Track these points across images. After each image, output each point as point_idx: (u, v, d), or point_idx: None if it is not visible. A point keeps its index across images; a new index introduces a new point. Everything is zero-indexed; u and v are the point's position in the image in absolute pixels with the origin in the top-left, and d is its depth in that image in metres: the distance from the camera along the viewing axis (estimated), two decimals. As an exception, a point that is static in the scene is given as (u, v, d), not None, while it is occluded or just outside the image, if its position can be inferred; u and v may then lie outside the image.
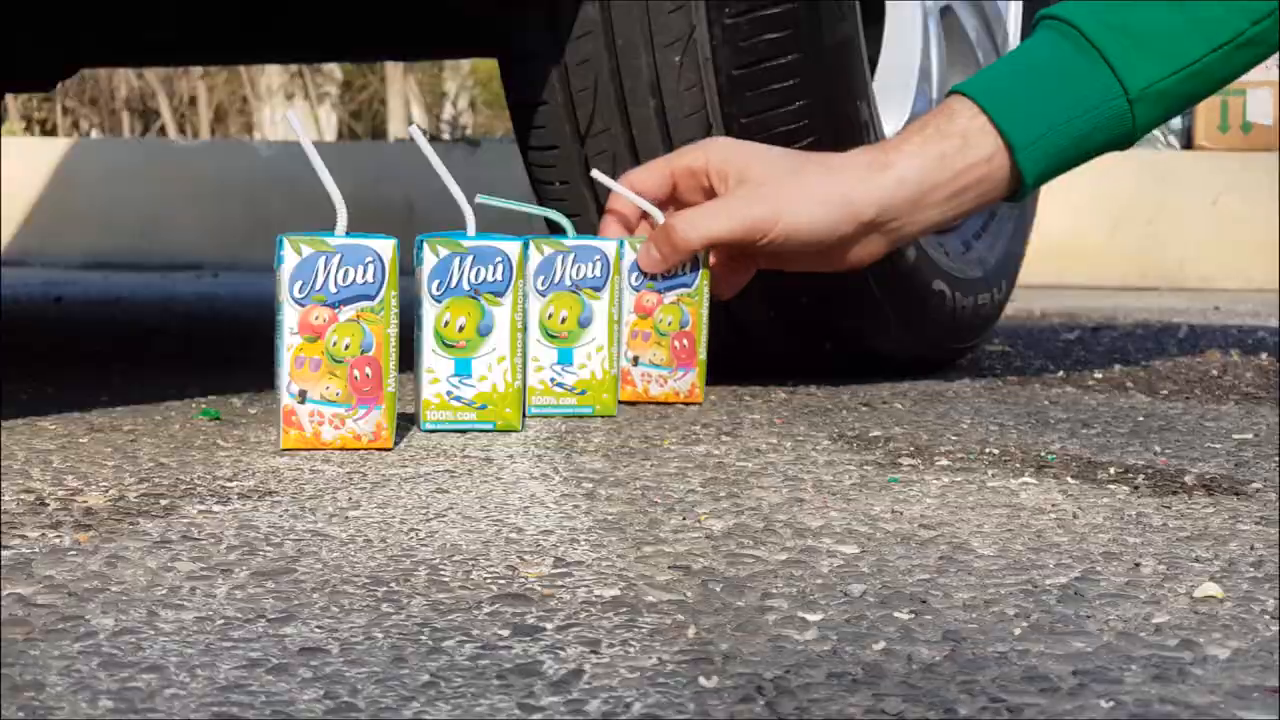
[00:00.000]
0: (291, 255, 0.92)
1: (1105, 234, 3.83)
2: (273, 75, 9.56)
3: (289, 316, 0.91)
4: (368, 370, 0.92)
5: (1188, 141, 4.08)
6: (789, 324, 1.34)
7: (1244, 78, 1.21)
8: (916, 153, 1.11)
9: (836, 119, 1.27)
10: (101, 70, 8.30)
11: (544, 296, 1.08)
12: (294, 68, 9.36)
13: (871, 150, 1.13)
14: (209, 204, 4.20)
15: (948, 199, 1.12)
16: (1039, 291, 3.44)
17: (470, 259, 1.01)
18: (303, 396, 0.92)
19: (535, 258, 1.08)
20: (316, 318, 0.92)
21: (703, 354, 1.16)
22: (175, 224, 4.24)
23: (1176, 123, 4.09)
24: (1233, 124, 3.98)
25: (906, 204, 1.11)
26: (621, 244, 1.11)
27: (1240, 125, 3.98)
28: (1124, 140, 1.13)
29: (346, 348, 0.92)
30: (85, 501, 0.77)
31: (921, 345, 1.43)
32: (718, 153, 1.14)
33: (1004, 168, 1.12)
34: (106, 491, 0.79)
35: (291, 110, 1.06)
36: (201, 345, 1.72)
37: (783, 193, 1.11)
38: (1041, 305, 2.83)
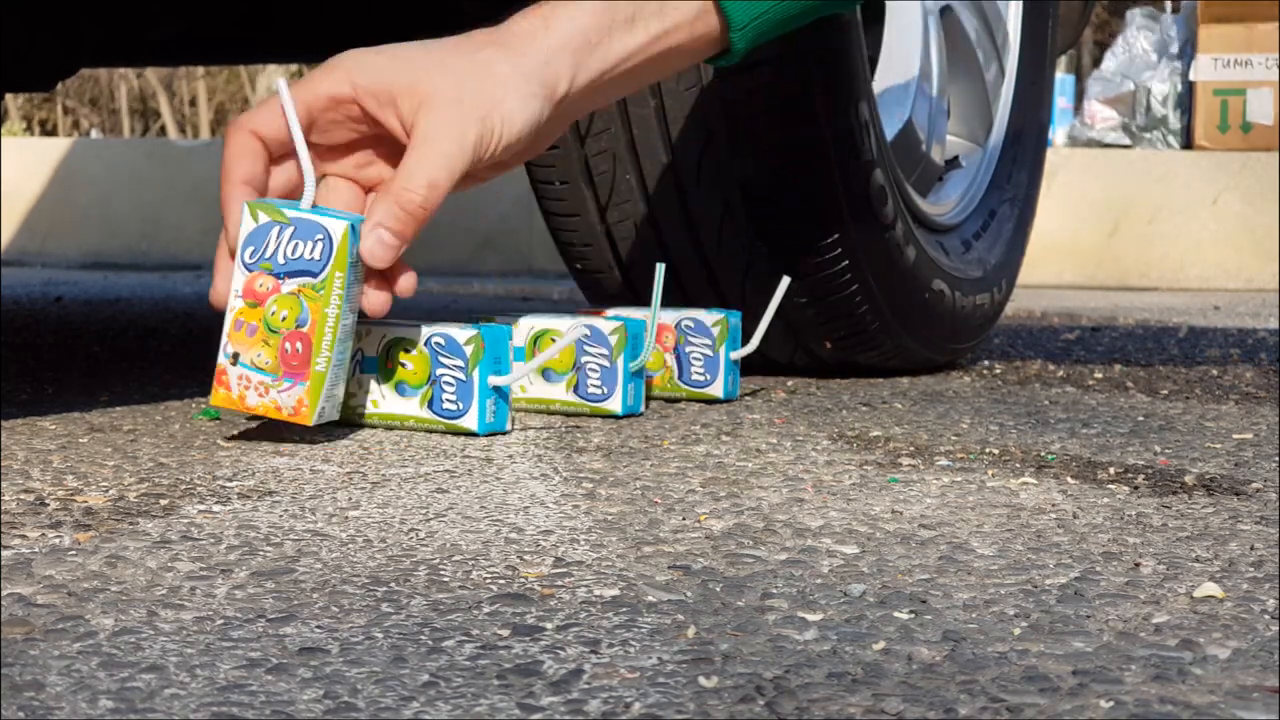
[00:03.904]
0: (249, 220, 0.92)
1: (1105, 234, 3.84)
2: (273, 76, 9.56)
3: (237, 279, 0.92)
4: (298, 345, 0.92)
5: (1188, 141, 4.08)
6: (788, 325, 1.34)
7: (1244, 77, 1.20)
8: (600, 9, 0.95)
9: (836, 119, 1.27)
10: (101, 70, 8.30)
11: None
12: (294, 68, 9.37)
13: (547, 8, 0.96)
14: (209, 204, 4.19)
15: (639, 69, 0.98)
16: (1039, 291, 3.44)
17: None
18: (235, 359, 0.92)
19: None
20: (261, 285, 0.92)
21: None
22: (175, 224, 4.24)
23: (1176, 123, 4.09)
24: (1233, 124, 3.98)
25: (596, 73, 0.96)
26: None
27: (1240, 125, 3.98)
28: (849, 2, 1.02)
29: (283, 319, 0.92)
30: (85, 501, 0.77)
31: (921, 345, 1.43)
32: (366, 73, 0.93)
33: (710, 37, 0.98)
34: (106, 491, 0.79)
35: (281, 79, 1.02)
36: (201, 345, 1.72)
37: (479, 94, 0.92)
38: (1041, 305, 2.83)
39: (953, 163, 1.62)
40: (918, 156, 1.51)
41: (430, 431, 1.00)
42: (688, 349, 1.19)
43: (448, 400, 0.99)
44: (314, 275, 0.91)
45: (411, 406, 1.00)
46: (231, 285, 0.92)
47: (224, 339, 0.92)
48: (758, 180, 1.28)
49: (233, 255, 0.93)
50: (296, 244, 0.91)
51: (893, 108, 1.47)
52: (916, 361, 1.44)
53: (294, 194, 0.95)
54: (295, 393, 0.92)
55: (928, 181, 1.55)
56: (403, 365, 1.00)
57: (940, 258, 1.44)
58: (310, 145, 0.94)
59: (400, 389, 1.00)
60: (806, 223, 1.30)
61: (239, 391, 0.92)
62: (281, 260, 0.91)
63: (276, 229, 0.91)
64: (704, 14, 0.97)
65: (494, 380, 0.99)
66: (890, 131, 1.45)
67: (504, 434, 1.01)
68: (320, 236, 0.91)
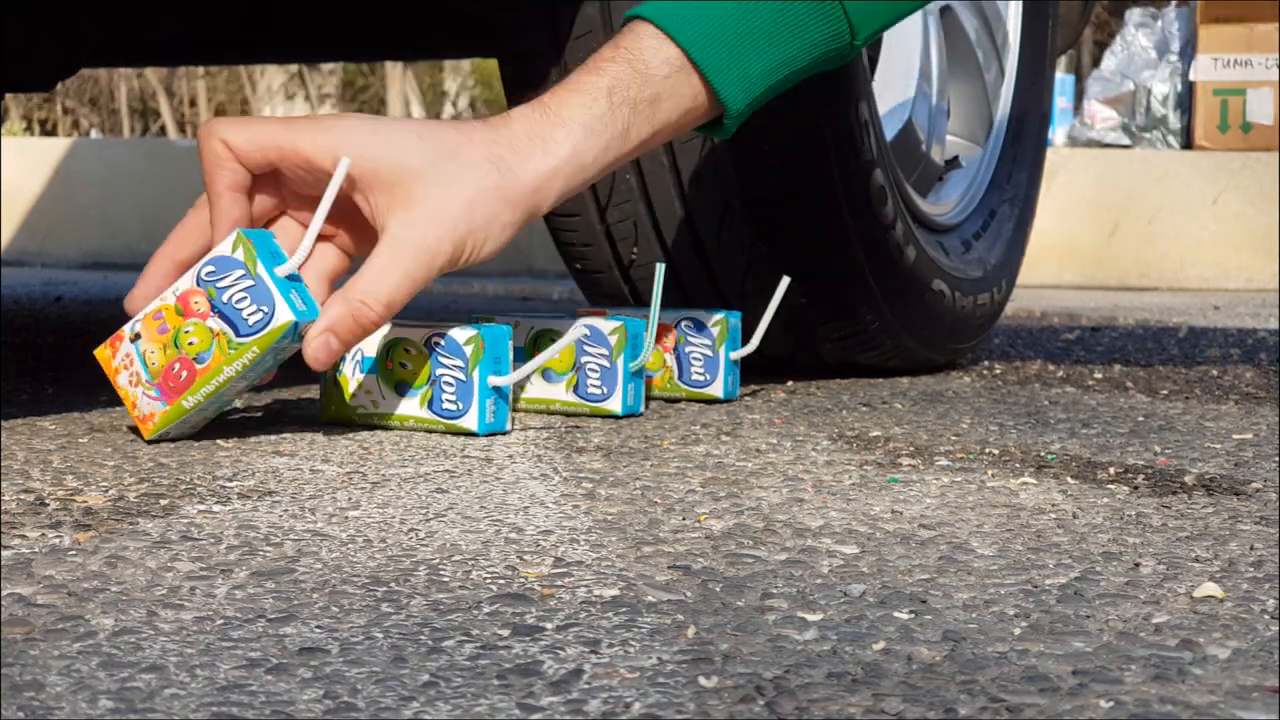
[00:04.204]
0: (229, 245, 0.91)
1: (1105, 234, 3.84)
2: (273, 75, 9.57)
3: (184, 280, 0.92)
4: (184, 374, 0.91)
5: (1188, 141, 4.08)
6: (787, 324, 1.34)
7: (1244, 77, 1.20)
8: (598, 129, 0.94)
9: (836, 119, 1.27)
10: (101, 70, 8.29)
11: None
12: (294, 67, 9.38)
13: (546, 121, 0.93)
14: (209, 204, 4.19)
15: (622, 162, 0.97)
16: (1039, 291, 3.44)
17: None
18: (135, 338, 0.92)
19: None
20: (195, 303, 0.91)
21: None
22: (175, 224, 4.24)
23: (1176, 123, 4.09)
24: (1233, 124, 3.99)
25: (580, 185, 0.96)
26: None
27: (1240, 125, 3.98)
28: (838, 65, 1.02)
29: (190, 344, 0.91)
30: (85, 501, 0.77)
31: (921, 345, 1.43)
32: (355, 149, 0.90)
33: (701, 118, 0.98)
34: (106, 491, 0.79)
35: (345, 159, 0.99)
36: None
37: (461, 214, 0.90)
38: (1041, 305, 2.83)
39: (953, 163, 1.62)
40: (918, 156, 1.51)
41: (430, 432, 1.00)
42: (688, 349, 1.19)
43: (447, 400, 0.98)
44: (237, 334, 0.90)
45: (411, 407, 1.00)
46: (178, 281, 0.92)
47: (141, 315, 0.92)
48: (758, 180, 1.28)
49: (180, 267, 0.93)
50: (245, 298, 0.90)
51: (893, 107, 1.48)
52: (916, 361, 1.44)
53: (262, 219, 0.95)
54: (154, 406, 0.92)
55: (928, 181, 1.55)
56: (402, 365, 1.00)
57: (940, 258, 1.44)
58: (273, 185, 0.94)
59: (400, 389, 1.00)
60: (806, 223, 1.30)
61: (119, 364, 0.93)
62: (224, 300, 0.90)
63: (241, 272, 0.90)
64: (695, 106, 0.97)
65: (494, 380, 0.99)
66: (890, 131, 1.45)
67: (504, 434, 1.01)
68: (265, 309, 0.90)
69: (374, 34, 1.89)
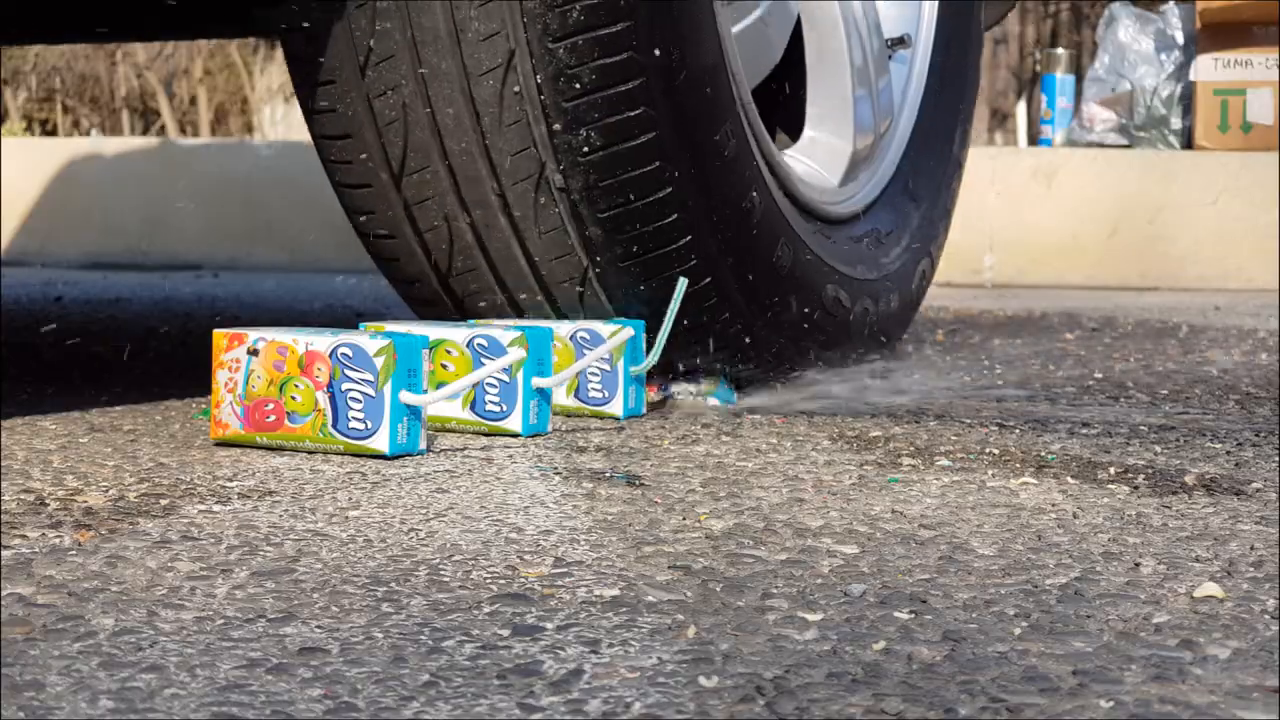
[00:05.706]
0: (375, 344, 0.88)
1: (1105, 234, 3.84)
2: (273, 76, 9.56)
3: (320, 341, 0.90)
4: (272, 419, 0.91)
5: (1188, 141, 4.07)
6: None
7: (1244, 77, 1.18)
8: None
9: (695, 146, 1.11)
10: (101, 70, 8.28)
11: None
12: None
13: None
14: (209, 204, 4.20)
15: None
16: (1040, 291, 3.44)
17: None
18: (253, 353, 0.91)
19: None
20: (319, 369, 0.90)
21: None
22: (175, 224, 4.24)
23: (1176, 123, 4.09)
24: (1233, 124, 3.98)
25: None
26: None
27: (1240, 125, 3.98)
28: None
29: (293, 400, 0.90)
30: (85, 501, 0.77)
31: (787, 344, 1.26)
32: None
33: None
34: (106, 491, 0.79)
35: None
36: (201, 345, 1.72)
37: None
38: (1042, 305, 2.83)
39: (899, 42, 1.53)
40: (860, 159, 1.43)
41: (474, 433, 0.99)
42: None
43: (491, 402, 0.97)
44: (334, 425, 0.89)
45: (453, 408, 0.99)
46: (315, 335, 0.90)
47: (269, 337, 0.91)
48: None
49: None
50: (360, 401, 0.89)
51: (833, 161, 1.40)
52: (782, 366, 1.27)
53: None
54: (233, 421, 0.92)
55: (859, 164, 1.44)
56: (444, 367, 0.99)
57: (826, 252, 1.28)
58: None
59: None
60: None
61: (226, 361, 0.92)
62: (342, 388, 0.89)
63: (370, 378, 0.88)
64: None
65: (538, 382, 0.97)
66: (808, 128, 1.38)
67: (545, 435, 1.00)
68: (369, 425, 0.89)
69: (127, 16, 1.82)
